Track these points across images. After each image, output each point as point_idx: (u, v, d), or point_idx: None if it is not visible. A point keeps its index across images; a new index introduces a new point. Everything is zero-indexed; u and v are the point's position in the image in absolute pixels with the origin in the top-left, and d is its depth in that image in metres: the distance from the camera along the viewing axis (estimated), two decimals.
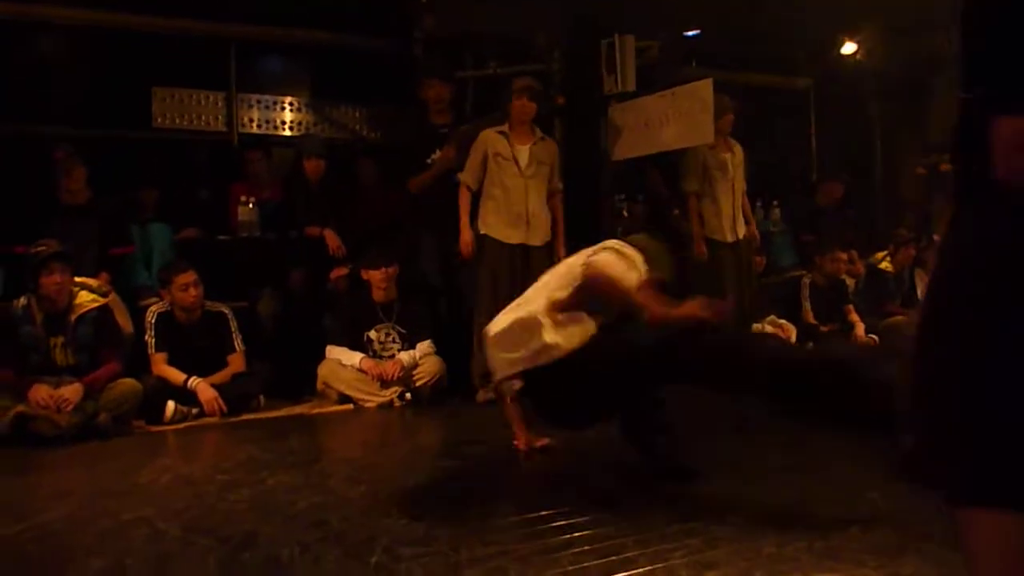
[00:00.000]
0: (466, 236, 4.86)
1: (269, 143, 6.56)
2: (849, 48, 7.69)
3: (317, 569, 2.20)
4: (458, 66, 6.07)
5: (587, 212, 5.60)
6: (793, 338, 6.15)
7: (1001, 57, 0.89)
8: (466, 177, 4.91)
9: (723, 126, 5.63)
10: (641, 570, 2.08)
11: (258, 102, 6.76)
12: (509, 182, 4.86)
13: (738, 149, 5.87)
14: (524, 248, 4.88)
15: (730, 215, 5.75)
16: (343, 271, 5.42)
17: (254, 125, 6.75)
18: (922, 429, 1.00)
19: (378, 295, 5.08)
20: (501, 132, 4.90)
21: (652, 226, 6.07)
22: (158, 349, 4.71)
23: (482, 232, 4.90)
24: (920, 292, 7.07)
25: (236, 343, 4.90)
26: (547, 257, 4.86)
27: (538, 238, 4.92)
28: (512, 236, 4.87)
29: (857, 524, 2.36)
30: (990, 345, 0.89)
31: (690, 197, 5.71)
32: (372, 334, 5.06)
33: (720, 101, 5.30)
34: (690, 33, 6.88)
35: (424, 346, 5.04)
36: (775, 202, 7.28)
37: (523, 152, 4.89)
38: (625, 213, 6.50)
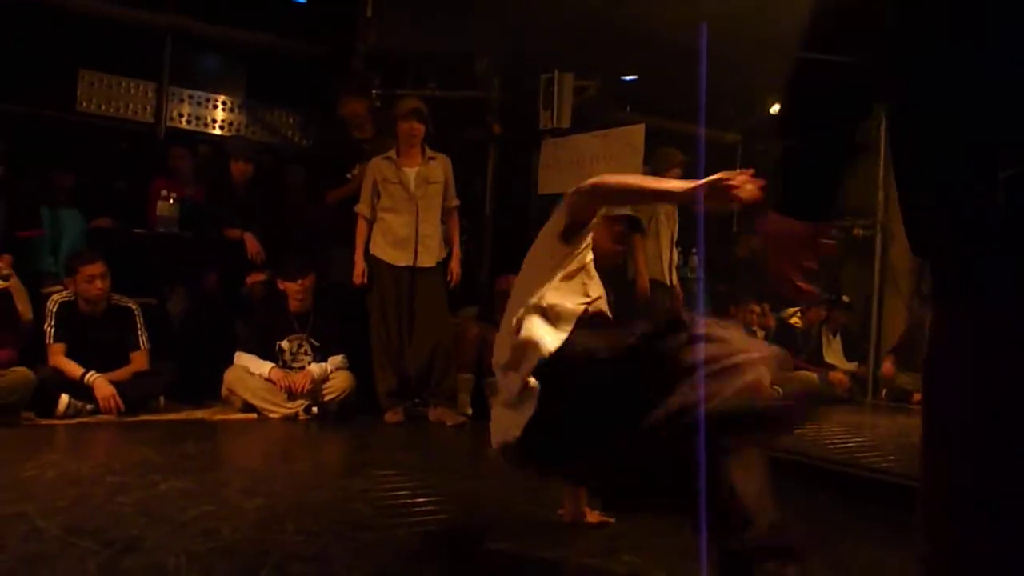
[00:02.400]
0: (359, 266, 4.92)
1: (197, 140, 6.43)
2: (776, 108, 7.97)
3: None
4: (398, 84, 6.07)
5: (512, 241, 5.63)
6: None
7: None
8: (361, 208, 4.97)
9: (671, 177, 5.74)
10: None
11: (190, 97, 6.62)
12: (398, 205, 4.93)
13: None
14: (411, 270, 4.91)
15: (668, 259, 5.88)
16: (260, 277, 5.32)
17: (183, 120, 6.60)
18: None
19: (294, 305, 5.00)
20: (387, 158, 4.97)
21: None
22: (56, 340, 4.53)
23: (372, 254, 4.94)
24: (826, 350, 7.33)
25: (140, 340, 4.76)
26: (439, 277, 4.96)
27: (430, 259, 4.95)
28: (399, 258, 4.91)
29: None
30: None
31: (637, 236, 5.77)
32: (284, 344, 4.97)
33: (670, 154, 5.42)
34: (628, 78, 7.04)
35: (336, 360, 4.98)
36: (693, 250, 7.45)
37: (410, 174, 4.94)
38: None
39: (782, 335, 7.19)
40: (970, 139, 0.87)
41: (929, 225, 0.94)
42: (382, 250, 4.95)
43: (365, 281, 4.92)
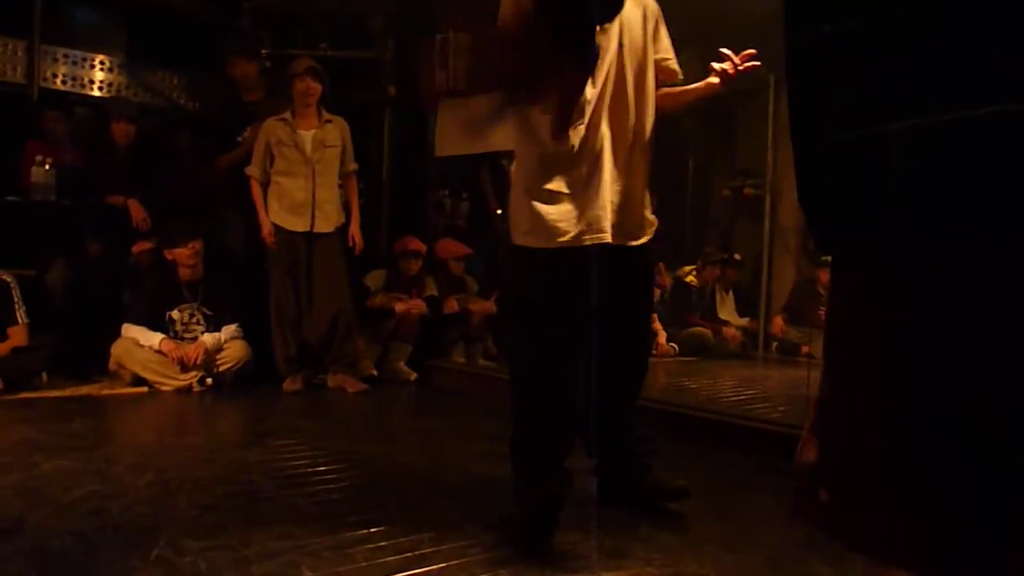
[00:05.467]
0: (266, 226, 4.78)
1: (74, 102, 6.08)
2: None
3: (90, 561, 2.05)
4: (288, 43, 5.87)
5: (410, 204, 5.57)
6: None
7: None
8: (252, 170, 4.83)
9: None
10: (437, 567, 2.08)
11: (65, 56, 6.25)
12: (294, 169, 4.80)
13: None
14: (308, 236, 4.81)
15: None
16: (147, 245, 5.11)
17: (58, 81, 6.23)
18: (836, 481, 0.97)
19: (184, 273, 4.83)
20: (282, 119, 4.83)
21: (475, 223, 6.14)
22: None
23: (272, 222, 4.81)
24: (720, 307, 7.55)
25: (19, 314, 4.51)
26: (337, 243, 4.88)
27: (327, 224, 4.85)
28: (297, 224, 4.81)
29: (646, 525, 2.47)
30: (912, 401, 0.87)
31: None
32: (175, 314, 4.80)
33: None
34: None
35: (230, 329, 4.84)
36: None
37: (306, 137, 4.82)
38: (447, 207, 6.52)
39: (678, 294, 7.38)
40: (860, 90, 0.87)
41: (818, 176, 0.93)
42: (278, 215, 4.81)
43: (274, 239, 4.78)
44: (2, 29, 5.96)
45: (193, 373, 4.65)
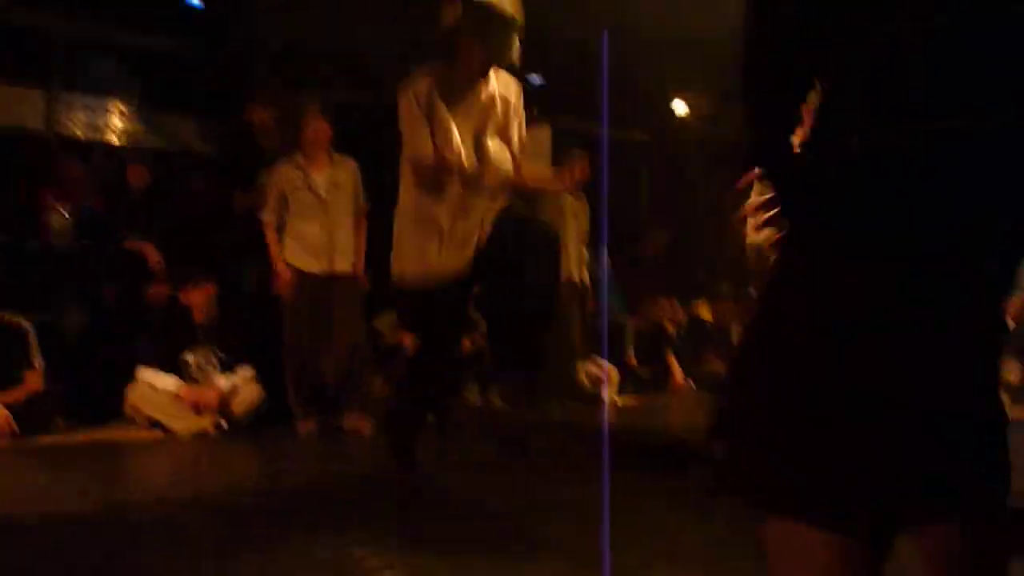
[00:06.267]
0: (281, 272, 4.79)
1: (92, 149, 6.18)
2: (682, 108, 8.13)
3: None
4: (301, 87, 5.96)
5: None
6: (615, 380, 6.36)
7: None
8: (267, 215, 4.85)
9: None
10: None
11: (82, 104, 6.36)
12: (309, 211, 4.82)
13: (583, 197, 6.05)
14: (327, 276, 4.82)
15: (576, 257, 5.94)
16: (162, 288, 5.14)
17: (77, 128, 6.34)
18: (732, 442, 1.09)
19: (198, 316, 4.85)
20: (293, 163, 4.86)
21: None
22: None
23: (287, 261, 4.82)
24: (736, 342, 7.51)
25: (34, 360, 4.54)
26: (354, 281, 4.90)
27: (345, 263, 4.87)
28: (315, 264, 4.81)
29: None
30: (795, 365, 0.99)
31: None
32: (189, 357, 4.82)
33: (579, 155, 5.55)
34: (534, 79, 7.06)
35: (244, 372, 4.85)
36: (604, 248, 7.54)
37: (319, 179, 4.85)
38: None
39: (694, 330, 7.35)
40: (828, 105, 1.00)
41: (790, 184, 1.07)
42: (296, 257, 4.82)
43: (290, 282, 4.78)
44: (21, 78, 6.08)
45: (208, 416, 4.65)
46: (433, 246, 3.02)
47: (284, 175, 4.85)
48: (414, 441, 3.27)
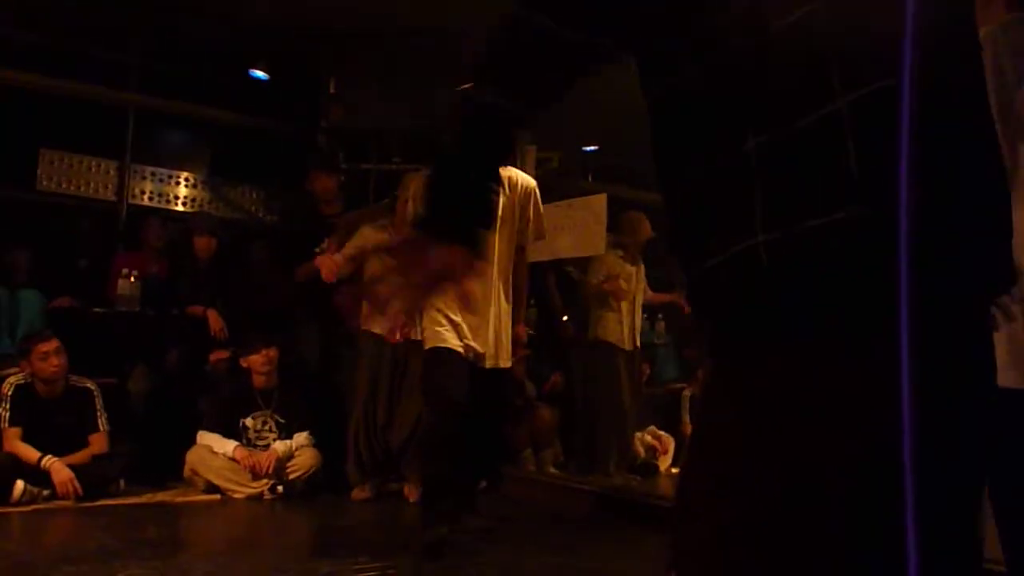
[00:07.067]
0: (348, 249, 4.82)
1: (160, 217, 6.40)
2: None
3: None
4: (362, 158, 6.12)
5: None
6: (671, 450, 6.26)
7: None
8: (347, 251, 4.83)
9: (641, 240, 5.78)
10: None
11: (152, 174, 6.62)
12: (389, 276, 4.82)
13: (641, 263, 6.00)
14: (405, 342, 4.84)
15: (630, 324, 5.88)
16: (223, 354, 5.25)
17: (146, 197, 6.59)
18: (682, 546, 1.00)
19: (258, 381, 4.93)
20: (382, 227, 4.85)
21: (542, 330, 6.16)
22: (12, 423, 4.40)
23: (364, 328, 4.83)
24: None
25: (100, 422, 4.64)
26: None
27: (419, 331, 4.89)
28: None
29: None
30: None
31: (590, 284, 5.78)
32: (248, 422, 4.88)
33: (637, 219, 5.64)
34: (588, 148, 7.16)
35: (301, 437, 4.88)
36: (660, 315, 7.50)
37: None
38: None
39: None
40: (726, 207, 0.91)
41: (703, 287, 0.97)
42: (372, 321, 4.80)
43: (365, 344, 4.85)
44: (97, 150, 6.36)
45: (264, 481, 4.68)
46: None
47: (370, 236, 4.84)
48: (445, 501, 3.47)
